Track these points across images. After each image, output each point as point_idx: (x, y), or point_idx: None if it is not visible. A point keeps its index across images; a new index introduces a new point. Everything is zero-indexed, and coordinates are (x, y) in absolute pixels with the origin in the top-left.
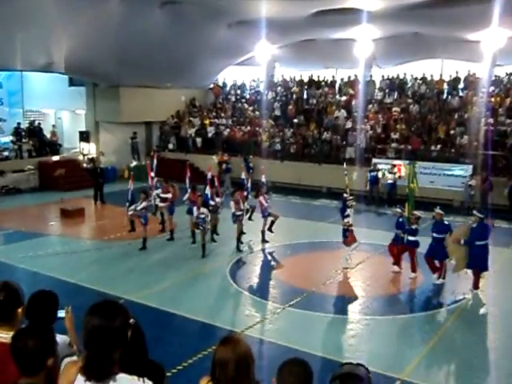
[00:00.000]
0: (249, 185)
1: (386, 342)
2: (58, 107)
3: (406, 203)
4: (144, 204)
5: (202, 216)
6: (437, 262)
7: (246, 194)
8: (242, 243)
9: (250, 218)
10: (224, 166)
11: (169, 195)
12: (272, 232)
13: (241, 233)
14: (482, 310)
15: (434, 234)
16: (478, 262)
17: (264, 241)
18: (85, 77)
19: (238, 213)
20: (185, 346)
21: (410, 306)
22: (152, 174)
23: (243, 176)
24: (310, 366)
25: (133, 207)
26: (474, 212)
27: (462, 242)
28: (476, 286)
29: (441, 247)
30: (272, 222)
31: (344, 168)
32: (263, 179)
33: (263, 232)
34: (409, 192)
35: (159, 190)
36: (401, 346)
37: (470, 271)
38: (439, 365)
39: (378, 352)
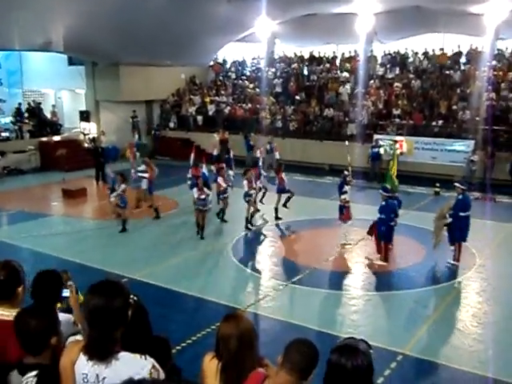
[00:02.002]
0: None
1: (388, 317)
2: (57, 87)
3: (386, 179)
4: (123, 186)
5: (203, 197)
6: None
7: (258, 172)
8: (251, 224)
9: (261, 201)
10: (268, 146)
11: (146, 174)
12: (287, 207)
13: (254, 212)
14: (483, 285)
15: (378, 214)
16: (460, 233)
17: (277, 218)
18: (84, 56)
19: (251, 192)
20: (189, 323)
21: (412, 281)
22: (128, 154)
23: (258, 154)
24: (316, 347)
25: (114, 194)
26: (456, 184)
27: (448, 216)
28: (458, 259)
29: (380, 227)
30: (288, 198)
31: (346, 145)
32: (277, 156)
33: (276, 209)
34: (389, 169)
35: (143, 167)
36: (403, 321)
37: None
38: (441, 339)
39: (380, 327)
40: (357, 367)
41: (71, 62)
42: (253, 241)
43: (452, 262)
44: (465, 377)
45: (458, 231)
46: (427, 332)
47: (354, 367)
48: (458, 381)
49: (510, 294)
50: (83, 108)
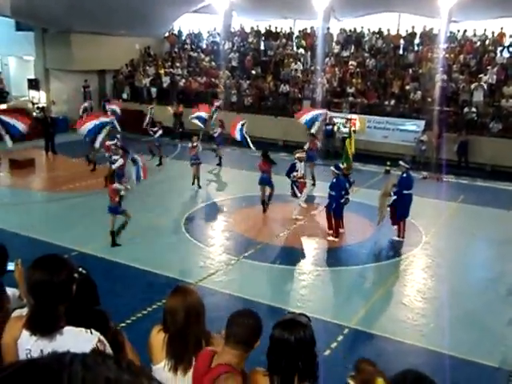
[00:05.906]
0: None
1: (336, 292)
2: (3, 53)
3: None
4: None
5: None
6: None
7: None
8: None
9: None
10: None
11: None
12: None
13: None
14: (428, 261)
15: (329, 191)
16: (403, 211)
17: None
18: (33, 21)
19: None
20: (139, 297)
21: (360, 257)
22: None
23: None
24: (259, 317)
25: None
26: (401, 162)
27: (392, 194)
28: (403, 235)
29: (331, 204)
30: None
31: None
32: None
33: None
34: (346, 147)
35: None
36: (350, 296)
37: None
38: (386, 313)
39: (328, 301)
40: (300, 340)
41: (19, 28)
42: (205, 215)
43: (396, 238)
44: (408, 349)
45: (400, 209)
46: (373, 306)
47: (297, 340)
48: (402, 353)
49: (454, 270)
50: (32, 76)
